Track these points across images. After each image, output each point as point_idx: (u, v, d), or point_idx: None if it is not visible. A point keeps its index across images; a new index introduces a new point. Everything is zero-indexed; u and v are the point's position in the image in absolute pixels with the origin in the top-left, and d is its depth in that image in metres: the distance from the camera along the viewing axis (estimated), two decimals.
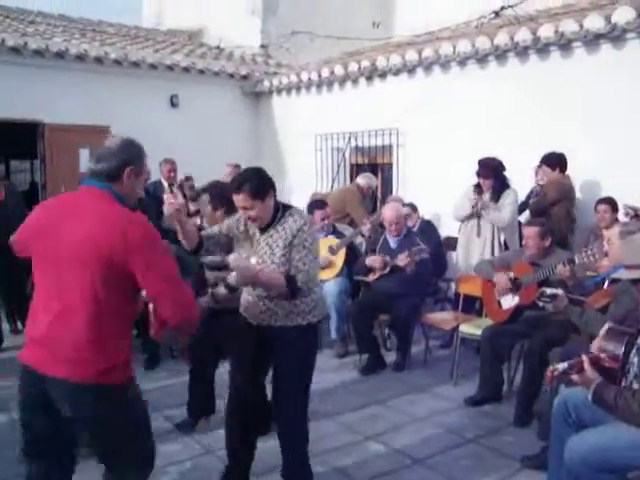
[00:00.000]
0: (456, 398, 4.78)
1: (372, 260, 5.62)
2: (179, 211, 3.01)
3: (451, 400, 4.78)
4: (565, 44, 6.16)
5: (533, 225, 4.66)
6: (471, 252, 5.84)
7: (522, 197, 6.13)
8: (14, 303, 6.54)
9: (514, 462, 3.73)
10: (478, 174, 5.73)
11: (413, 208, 6.60)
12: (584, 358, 2.74)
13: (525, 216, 6.03)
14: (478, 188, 5.76)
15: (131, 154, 2.40)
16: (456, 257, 6.23)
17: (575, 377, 2.74)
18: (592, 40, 5.94)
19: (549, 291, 3.76)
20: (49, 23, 10.84)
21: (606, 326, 2.94)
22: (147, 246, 2.26)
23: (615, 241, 3.67)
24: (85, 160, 8.55)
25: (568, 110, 6.18)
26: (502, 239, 5.75)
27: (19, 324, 6.49)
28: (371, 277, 5.68)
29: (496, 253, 5.62)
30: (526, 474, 3.61)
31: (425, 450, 3.93)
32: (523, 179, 6.14)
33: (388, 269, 5.50)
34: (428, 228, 6.59)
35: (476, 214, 5.75)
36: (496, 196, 5.68)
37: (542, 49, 6.38)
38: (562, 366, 2.75)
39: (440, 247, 6.57)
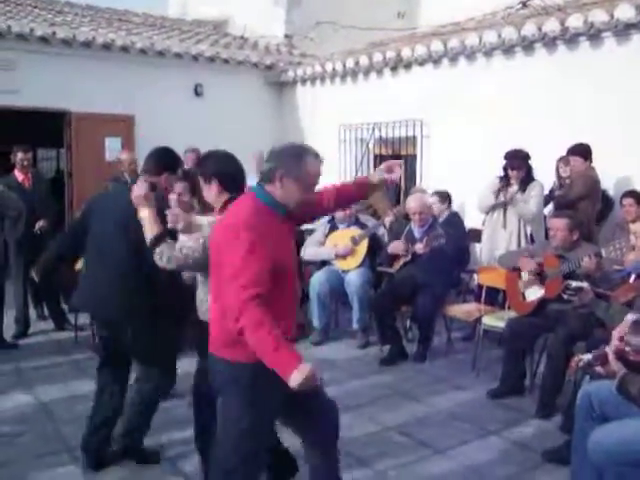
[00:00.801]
0: (478, 390, 4.76)
1: (393, 247, 5.63)
2: (143, 198, 3.12)
3: (473, 392, 4.76)
4: (595, 34, 6.08)
5: (561, 217, 4.60)
6: (496, 244, 5.78)
7: (546, 190, 6.05)
8: (41, 289, 6.60)
9: (535, 455, 3.71)
10: (508, 166, 5.63)
11: (442, 198, 6.40)
12: (608, 350, 2.72)
13: (549, 209, 5.97)
14: (504, 180, 5.69)
15: (283, 158, 2.48)
16: (480, 249, 6.18)
17: (599, 369, 2.72)
18: (623, 30, 5.85)
19: (574, 284, 3.72)
20: (77, 13, 10.95)
21: (630, 317, 2.90)
22: (232, 245, 2.34)
23: None
24: (110, 149, 8.66)
25: (597, 101, 6.09)
26: (528, 231, 5.69)
27: (45, 310, 6.56)
28: (395, 266, 5.67)
29: (522, 245, 5.56)
30: (547, 467, 3.59)
31: (446, 441, 3.92)
32: (549, 171, 6.08)
33: (410, 256, 5.50)
34: (455, 220, 6.51)
35: (502, 206, 5.70)
36: (523, 188, 5.61)
37: (571, 39, 6.30)
38: (587, 357, 2.74)
39: (465, 239, 6.51)
